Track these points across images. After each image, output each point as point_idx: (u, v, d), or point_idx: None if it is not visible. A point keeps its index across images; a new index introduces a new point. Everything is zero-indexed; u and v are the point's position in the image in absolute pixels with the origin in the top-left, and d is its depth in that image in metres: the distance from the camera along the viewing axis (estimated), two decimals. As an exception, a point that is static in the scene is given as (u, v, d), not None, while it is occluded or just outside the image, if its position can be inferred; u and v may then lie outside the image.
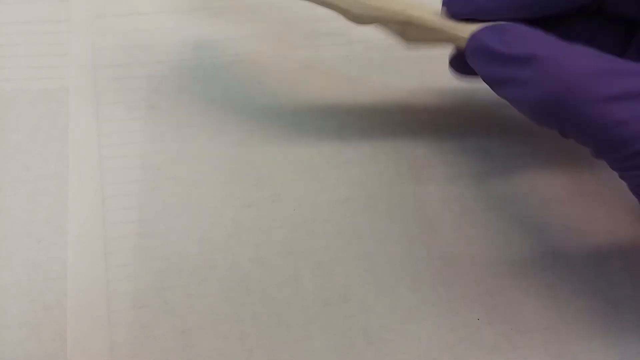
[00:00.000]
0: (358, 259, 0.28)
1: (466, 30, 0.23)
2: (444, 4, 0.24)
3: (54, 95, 0.29)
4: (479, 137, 0.31)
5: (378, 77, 0.31)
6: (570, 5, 0.23)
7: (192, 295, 0.26)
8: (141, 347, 0.25)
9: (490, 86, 0.23)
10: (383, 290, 0.27)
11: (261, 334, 0.26)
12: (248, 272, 0.27)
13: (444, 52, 0.28)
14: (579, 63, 0.19)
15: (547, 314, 0.27)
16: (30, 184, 0.27)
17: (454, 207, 0.29)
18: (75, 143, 0.28)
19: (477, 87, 0.32)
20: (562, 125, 0.20)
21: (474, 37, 0.23)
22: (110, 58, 0.30)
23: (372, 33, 0.33)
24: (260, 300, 0.27)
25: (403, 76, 0.32)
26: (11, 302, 0.25)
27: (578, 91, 0.19)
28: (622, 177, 0.21)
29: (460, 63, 0.27)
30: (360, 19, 0.25)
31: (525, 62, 0.20)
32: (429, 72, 0.32)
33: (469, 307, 0.27)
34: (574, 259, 0.29)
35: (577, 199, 0.30)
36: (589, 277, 0.28)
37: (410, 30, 0.25)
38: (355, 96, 0.31)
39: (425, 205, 0.29)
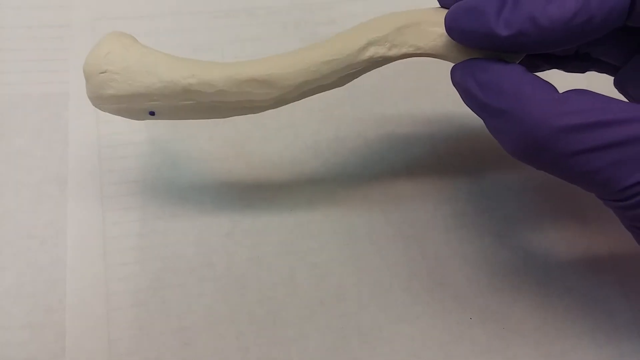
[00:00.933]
0: (353, 259, 0.28)
1: (451, 56, 0.23)
2: (447, 31, 0.22)
3: (55, 99, 0.30)
4: (473, 140, 0.31)
5: (375, 81, 0.32)
6: (564, 53, 0.23)
7: (189, 295, 0.27)
8: (139, 345, 0.26)
9: None
10: (377, 290, 0.28)
11: (257, 332, 0.27)
12: (244, 271, 0.28)
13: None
14: (550, 121, 0.19)
15: (538, 313, 0.28)
16: (32, 187, 0.28)
17: (447, 208, 0.30)
18: (75, 146, 0.29)
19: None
20: (539, 168, 0.21)
21: (452, 70, 0.23)
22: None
23: None
24: (256, 300, 0.27)
25: (400, 79, 0.32)
26: (13, 304, 0.26)
27: (548, 147, 0.19)
28: (606, 205, 0.21)
29: None
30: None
31: (498, 114, 0.20)
32: (425, 76, 0.32)
33: (462, 306, 0.28)
34: (564, 259, 0.29)
35: (567, 200, 0.30)
36: (580, 277, 0.29)
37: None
38: (351, 99, 0.32)
39: (420, 206, 0.30)
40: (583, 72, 0.27)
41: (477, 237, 0.29)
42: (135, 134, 0.30)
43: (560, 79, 0.23)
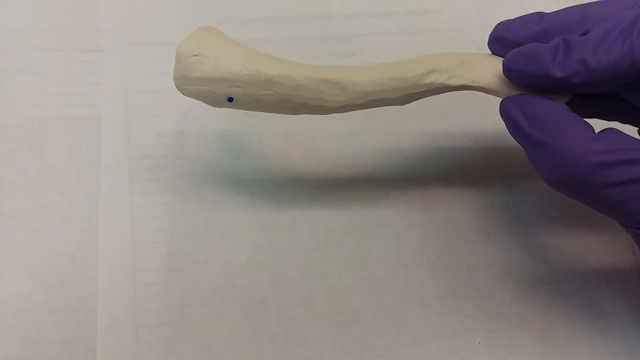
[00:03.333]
0: (368, 283, 0.30)
1: (502, 91, 0.26)
2: (505, 72, 0.25)
3: (87, 121, 0.31)
4: (484, 171, 0.33)
5: (391, 113, 0.33)
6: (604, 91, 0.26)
7: (213, 314, 0.28)
8: (166, 362, 0.27)
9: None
10: (391, 314, 0.29)
11: (277, 352, 0.28)
12: (266, 293, 0.29)
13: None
14: (587, 157, 0.22)
15: (542, 339, 0.29)
16: (65, 207, 0.29)
17: (459, 237, 0.31)
18: (107, 167, 0.30)
19: (481, 123, 0.34)
20: (572, 198, 0.24)
21: (502, 102, 0.25)
22: (140, 86, 0.32)
23: (388, 58, 0.35)
24: (277, 320, 0.29)
25: (414, 112, 0.34)
26: (46, 320, 0.27)
27: (583, 180, 0.22)
28: (627, 232, 0.24)
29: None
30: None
31: (540, 146, 0.23)
32: (442, 101, 0.34)
33: (471, 331, 0.29)
34: (567, 288, 0.31)
35: (571, 233, 0.32)
36: (581, 305, 0.30)
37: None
38: (368, 130, 0.33)
39: (432, 234, 0.31)
40: (608, 119, 0.29)
41: (486, 265, 0.31)
42: (164, 158, 0.31)
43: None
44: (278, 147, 0.32)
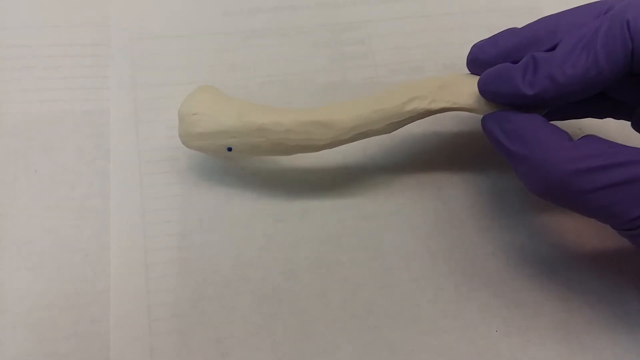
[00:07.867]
0: (382, 273, 0.29)
1: (482, 109, 0.27)
2: (480, 92, 0.26)
3: (97, 116, 0.31)
4: (497, 156, 0.32)
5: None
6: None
7: (226, 306, 0.28)
8: (179, 354, 0.27)
9: None
10: (406, 304, 0.29)
11: (291, 344, 0.28)
12: (279, 284, 0.29)
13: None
14: (564, 165, 0.22)
15: (561, 327, 0.29)
16: (76, 202, 0.29)
17: (472, 225, 0.31)
18: (117, 161, 0.30)
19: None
20: (559, 205, 0.24)
21: (483, 120, 0.26)
22: (149, 79, 0.32)
23: (397, 57, 0.34)
24: (290, 312, 0.28)
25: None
26: (59, 315, 0.27)
27: (564, 188, 0.22)
28: (620, 234, 0.24)
29: None
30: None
31: (521, 159, 0.24)
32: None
33: (488, 319, 0.29)
34: (586, 275, 0.30)
35: (589, 219, 0.31)
36: (600, 292, 0.30)
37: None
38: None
39: (446, 222, 0.31)
40: (601, 117, 0.29)
41: (502, 253, 0.30)
42: (174, 150, 0.31)
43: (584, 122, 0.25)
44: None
